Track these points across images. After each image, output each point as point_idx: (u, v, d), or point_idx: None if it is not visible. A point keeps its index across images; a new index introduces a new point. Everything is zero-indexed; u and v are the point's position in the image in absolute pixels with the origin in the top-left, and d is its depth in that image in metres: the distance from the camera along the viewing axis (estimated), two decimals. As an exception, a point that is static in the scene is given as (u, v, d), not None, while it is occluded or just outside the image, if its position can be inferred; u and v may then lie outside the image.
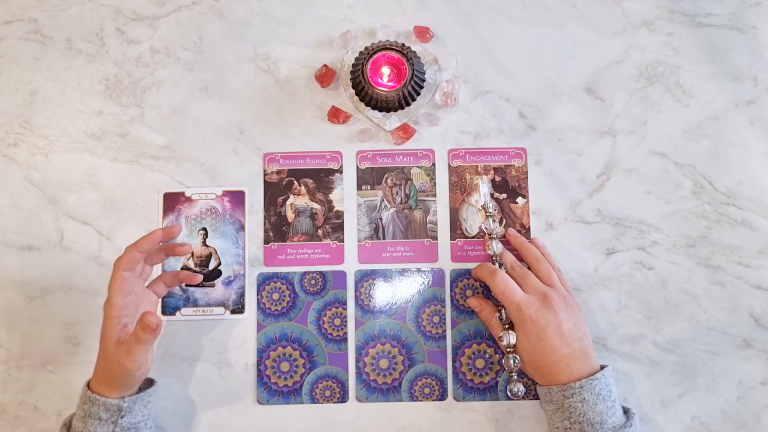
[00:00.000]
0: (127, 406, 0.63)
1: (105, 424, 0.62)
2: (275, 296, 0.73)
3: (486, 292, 0.73)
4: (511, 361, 0.67)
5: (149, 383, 0.68)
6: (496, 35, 0.77)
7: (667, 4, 0.78)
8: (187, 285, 0.72)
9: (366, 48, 0.71)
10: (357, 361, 0.73)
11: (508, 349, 0.67)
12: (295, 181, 0.75)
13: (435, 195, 0.75)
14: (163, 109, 0.76)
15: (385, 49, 0.71)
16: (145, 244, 0.63)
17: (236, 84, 0.76)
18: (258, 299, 0.73)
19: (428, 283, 0.74)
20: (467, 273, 0.74)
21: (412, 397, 0.72)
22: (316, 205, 0.75)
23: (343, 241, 0.74)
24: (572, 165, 0.75)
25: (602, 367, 0.65)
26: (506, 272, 0.68)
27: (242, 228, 0.74)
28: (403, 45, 0.71)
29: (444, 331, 0.73)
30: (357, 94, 0.74)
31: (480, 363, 0.73)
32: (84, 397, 0.64)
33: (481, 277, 0.70)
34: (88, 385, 0.65)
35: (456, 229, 0.75)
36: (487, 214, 0.72)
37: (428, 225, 0.75)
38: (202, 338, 0.73)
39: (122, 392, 0.64)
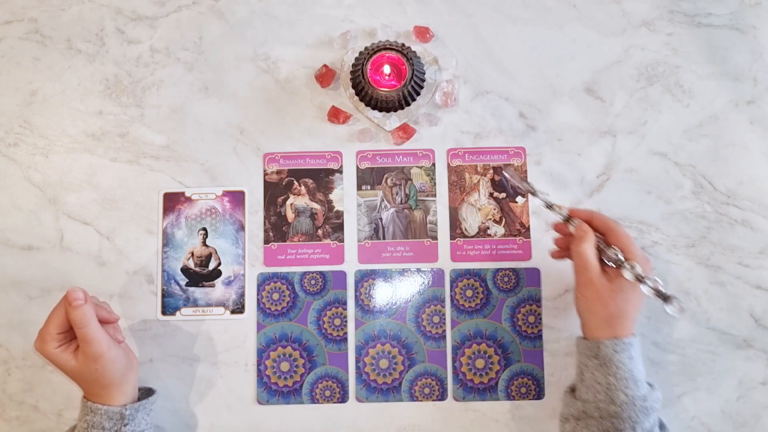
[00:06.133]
0: (129, 413, 0.63)
1: None
2: (275, 296, 0.73)
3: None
4: (638, 269, 0.61)
5: (149, 392, 0.68)
6: (496, 35, 0.77)
7: (667, 4, 0.78)
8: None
9: (366, 48, 0.71)
10: (357, 361, 0.73)
11: (624, 263, 0.62)
12: (295, 181, 0.75)
13: (435, 195, 0.75)
14: (163, 109, 0.76)
15: (385, 49, 0.71)
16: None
17: (236, 84, 0.76)
18: (258, 299, 0.73)
19: (428, 283, 0.74)
20: (467, 273, 0.74)
21: (412, 397, 0.72)
22: (316, 205, 0.75)
23: (343, 241, 0.74)
24: (572, 165, 0.75)
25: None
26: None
27: (242, 228, 0.74)
28: (403, 45, 0.71)
29: (444, 331, 0.73)
30: (357, 94, 0.74)
31: (480, 363, 0.73)
32: (85, 409, 0.63)
33: (604, 222, 0.64)
34: (84, 398, 0.64)
35: (456, 228, 0.75)
36: (546, 204, 0.67)
37: (428, 225, 0.75)
38: (202, 338, 0.73)
39: (118, 392, 0.63)
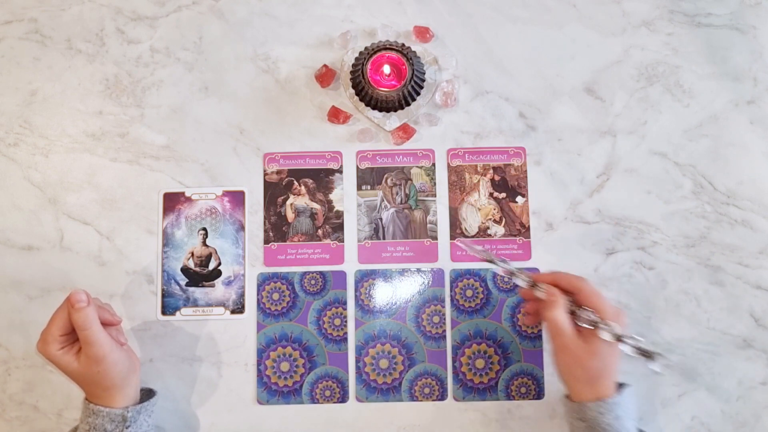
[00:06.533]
0: (131, 416, 0.63)
1: None
2: (275, 296, 0.73)
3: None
4: (617, 329, 0.60)
5: (149, 393, 0.68)
6: (496, 35, 0.77)
7: (667, 4, 0.78)
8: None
9: (366, 48, 0.71)
10: (357, 361, 0.73)
11: (601, 325, 0.60)
12: (295, 181, 0.75)
13: (435, 195, 0.75)
14: (163, 109, 0.76)
15: (385, 49, 0.71)
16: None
17: (236, 84, 0.76)
18: (258, 299, 0.73)
19: (428, 283, 0.74)
20: (467, 273, 0.74)
21: (412, 397, 0.72)
22: (316, 205, 0.75)
23: (343, 241, 0.74)
24: (572, 165, 0.75)
25: (621, 386, 0.63)
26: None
27: (242, 228, 0.74)
28: (403, 45, 0.71)
29: (444, 331, 0.73)
30: (357, 94, 0.74)
31: (480, 363, 0.73)
32: (87, 411, 0.63)
33: (570, 282, 0.63)
34: (86, 400, 0.64)
35: (456, 228, 0.75)
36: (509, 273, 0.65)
37: (428, 225, 0.75)
38: (202, 338, 0.73)
39: (120, 394, 0.64)
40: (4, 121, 0.76)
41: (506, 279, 0.65)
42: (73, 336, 0.63)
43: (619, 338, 0.60)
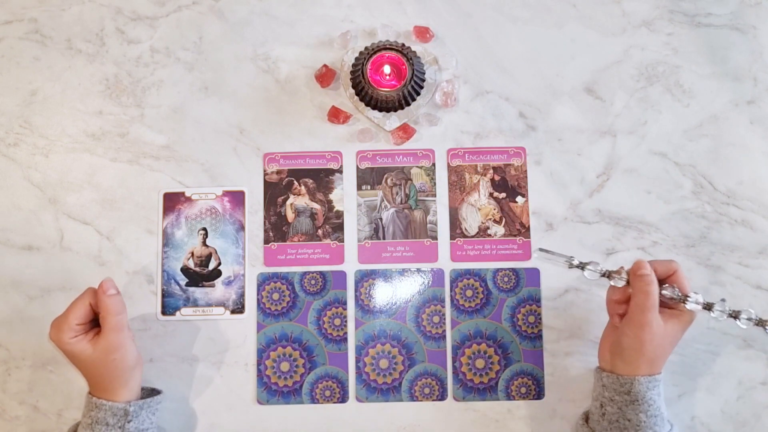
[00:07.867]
0: (133, 410, 0.63)
1: (112, 429, 0.62)
2: (275, 296, 0.73)
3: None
4: (701, 298, 0.63)
5: (152, 392, 0.68)
6: (496, 35, 0.77)
7: (667, 4, 0.78)
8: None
9: (366, 48, 0.71)
10: (357, 361, 0.73)
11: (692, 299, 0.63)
12: (295, 181, 0.75)
13: (435, 195, 0.75)
14: (163, 109, 0.76)
15: (385, 49, 0.71)
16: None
17: (236, 84, 0.76)
18: (258, 299, 0.73)
19: (428, 283, 0.74)
20: (467, 273, 0.74)
21: (412, 397, 0.72)
22: (316, 205, 0.75)
23: (343, 241, 0.74)
24: (572, 165, 0.75)
25: None
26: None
27: (242, 228, 0.74)
28: (403, 45, 0.71)
29: (444, 331, 0.73)
30: (357, 94, 0.74)
31: (480, 363, 0.73)
32: (89, 405, 0.64)
33: (664, 265, 0.64)
34: (89, 394, 0.65)
35: (456, 228, 0.75)
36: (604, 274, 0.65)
37: (428, 225, 0.75)
38: (202, 338, 0.73)
39: (124, 387, 0.64)
40: (4, 121, 0.76)
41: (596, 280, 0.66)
42: (87, 326, 0.64)
43: (707, 306, 0.63)
